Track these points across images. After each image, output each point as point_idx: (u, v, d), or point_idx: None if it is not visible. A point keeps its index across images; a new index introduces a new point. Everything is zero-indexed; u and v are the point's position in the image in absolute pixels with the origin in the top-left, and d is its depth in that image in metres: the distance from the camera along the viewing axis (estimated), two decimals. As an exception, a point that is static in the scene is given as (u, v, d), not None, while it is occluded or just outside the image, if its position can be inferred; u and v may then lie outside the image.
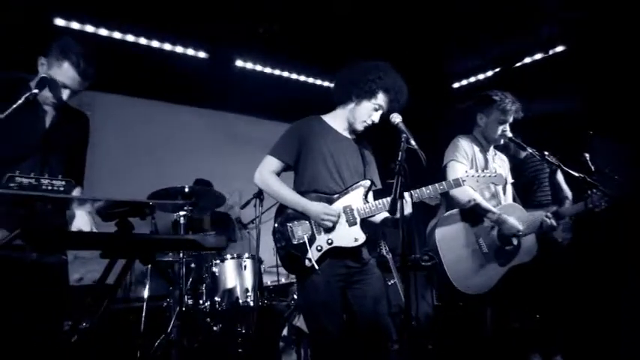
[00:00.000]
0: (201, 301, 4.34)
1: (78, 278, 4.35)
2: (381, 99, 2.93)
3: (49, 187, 1.93)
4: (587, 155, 3.83)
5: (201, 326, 4.15)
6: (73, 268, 3.94)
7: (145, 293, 4.34)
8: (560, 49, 5.62)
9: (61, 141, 2.70)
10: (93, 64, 2.61)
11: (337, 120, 3.07)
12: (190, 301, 4.33)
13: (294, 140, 2.94)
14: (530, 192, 4.23)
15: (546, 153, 3.58)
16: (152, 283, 4.38)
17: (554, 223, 3.46)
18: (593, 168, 3.76)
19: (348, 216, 2.81)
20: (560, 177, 4.27)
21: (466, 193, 3.34)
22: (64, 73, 2.56)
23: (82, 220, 2.57)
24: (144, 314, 4.17)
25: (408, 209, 2.56)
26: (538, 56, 5.79)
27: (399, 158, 2.45)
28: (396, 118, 2.78)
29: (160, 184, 4.10)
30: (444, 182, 2.91)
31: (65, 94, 2.61)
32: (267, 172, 2.90)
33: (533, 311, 3.93)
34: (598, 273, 4.03)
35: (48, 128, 2.68)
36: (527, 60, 5.86)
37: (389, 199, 2.46)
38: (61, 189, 1.96)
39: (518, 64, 5.92)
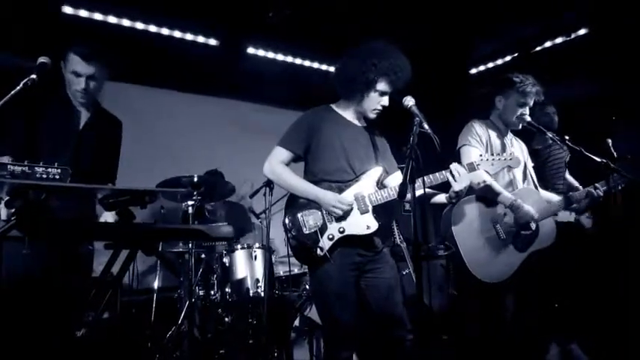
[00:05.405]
0: (212, 292, 4.29)
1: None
2: (382, 85, 2.82)
3: (44, 176, 1.86)
4: (609, 141, 3.71)
5: (213, 317, 4.11)
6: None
7: (156, 284, 4.31)
8: (582, 32, 5.41)
9: (93, 142, 2.86)
10: (93, 46, 2.78)
11: (347, 108, 2.98)
12: (202, 292, 4.29)
13: (303, 130, 2.87)
14: (547, 179, 4.09)
15: (567, 137, 3.45)
16: (163, 275, 4.34)
17: (600, 192, 3.43)
18: (615, 154, 3.64)
19: (360, 203, 2.73)
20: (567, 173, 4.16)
21: (479, 176, 3.19)
22: (72, 62, 2.75)
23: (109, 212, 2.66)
24: (154, 305, 4.16)
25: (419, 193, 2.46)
26: (559, 40, 5.58)
27: (411, 142, 2.36)
28: (409, 101, 2.67)
29: (170, 173, 4.04)
30: None
31: (81, 82, 2.76)
32: (277, 163, 2.84)
33: (552, 299, 3.82)
34: (618, 262, 3.88)
35: (81, 129, 2.85)
36: (548, 44, 5.66)
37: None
38: (57, 177, 1.89)
39: (538, 48, 5.73)
